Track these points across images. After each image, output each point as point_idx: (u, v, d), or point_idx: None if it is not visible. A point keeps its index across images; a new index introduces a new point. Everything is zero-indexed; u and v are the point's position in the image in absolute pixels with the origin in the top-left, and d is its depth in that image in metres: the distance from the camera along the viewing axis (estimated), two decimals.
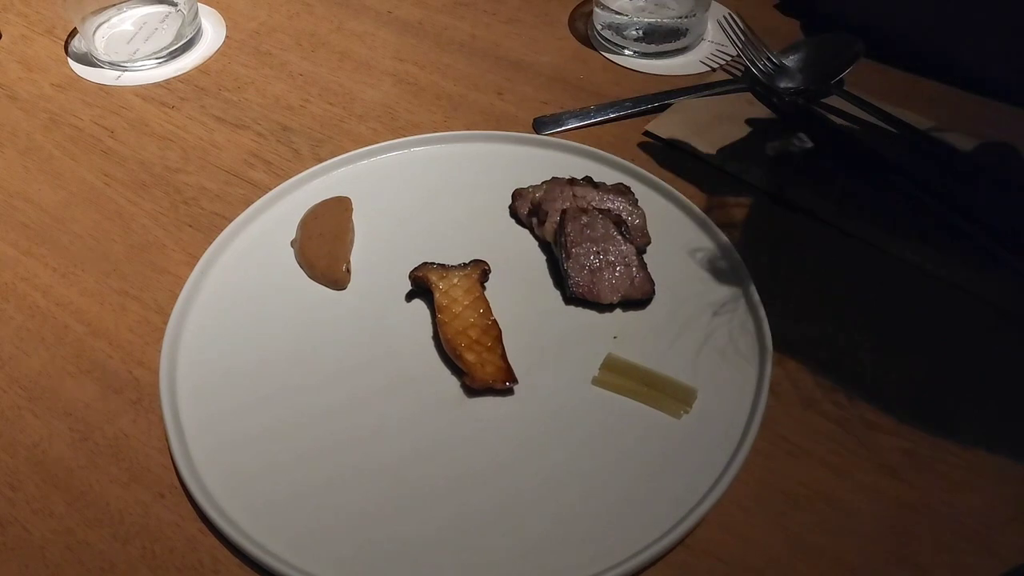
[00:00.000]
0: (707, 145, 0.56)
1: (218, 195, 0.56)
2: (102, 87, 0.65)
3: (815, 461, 0.41)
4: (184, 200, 0.56)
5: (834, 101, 0.58)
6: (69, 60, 0.67)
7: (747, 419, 0.42)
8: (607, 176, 0.54)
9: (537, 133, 0.58)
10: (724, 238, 0.49)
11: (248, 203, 0.53)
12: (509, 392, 0.43)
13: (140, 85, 0.65)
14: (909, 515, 0.39)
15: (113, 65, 0.66)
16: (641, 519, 0.39)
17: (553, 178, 0.53)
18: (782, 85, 0.60)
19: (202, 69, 0.66)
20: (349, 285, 0.49)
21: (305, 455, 0.42)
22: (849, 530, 0.39)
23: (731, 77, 0.63)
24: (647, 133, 0.58)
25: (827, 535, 0.39)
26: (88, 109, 0.63)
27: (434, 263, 0.48)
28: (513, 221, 0.52)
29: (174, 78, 0.65)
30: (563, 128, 0.59)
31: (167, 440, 0.42)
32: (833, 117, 0.58)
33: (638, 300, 0.47)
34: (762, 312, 0.46)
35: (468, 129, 0.59)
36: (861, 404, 0.43)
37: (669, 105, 0.60)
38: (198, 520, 0.40)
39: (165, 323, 0.47)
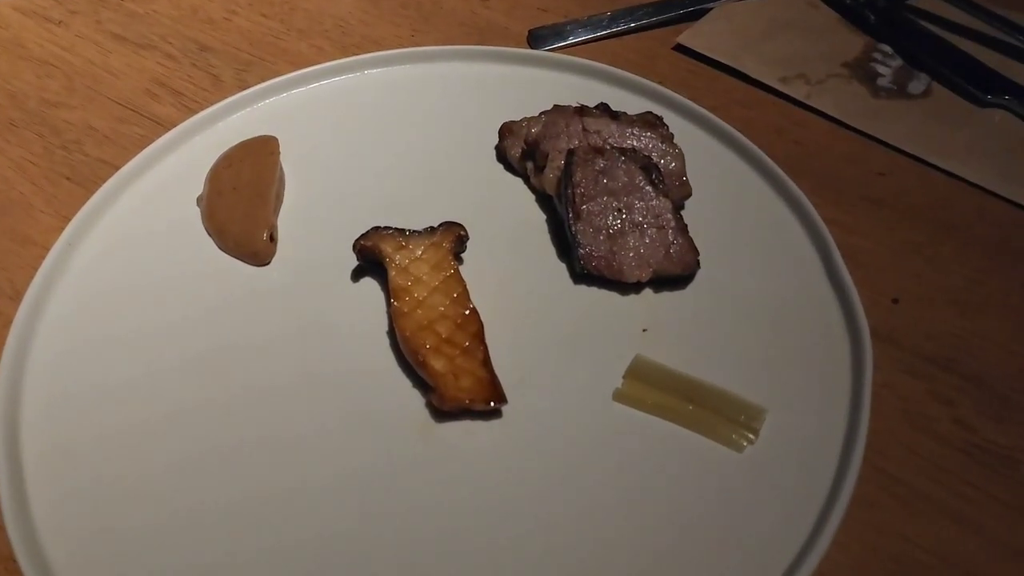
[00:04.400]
0: (760, 61, 0.50)
1: (108, 136, 0.49)
2: None
3: (939, 511, 0.34)
4: (63, 144, 0.48)
5: (926, 3, 0.53)
6: None
7: (841, 451, 0.34)
8: (629, 104, 0.47)
9: (534, 49, 0.53)
10: (793, 187, 0.43)
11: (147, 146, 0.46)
12: (495, 415, 0.37)
13: None
14: None
15: None
16: None
17: (556, 107, 0.46)
18: None
19: None
20: (274, 258, 0.43)
21: (203, 517, 0.34)
22: None
23: None
24: (679, 47, 0.52)
25: None
26: None
27: (390, 228, 0.41)
28: (501, 167, 0.47)
29: None
30: (568, 42, 0.53)
31: None
32: (925, 23, 0.53)
33: (676, 276, 0.41)
34: (854, 293, 0.39)
35: (442, 45, 0.53)
36: (999, 424, 0.36)
37: (707, 11, 0.54)
38: None
39: None
